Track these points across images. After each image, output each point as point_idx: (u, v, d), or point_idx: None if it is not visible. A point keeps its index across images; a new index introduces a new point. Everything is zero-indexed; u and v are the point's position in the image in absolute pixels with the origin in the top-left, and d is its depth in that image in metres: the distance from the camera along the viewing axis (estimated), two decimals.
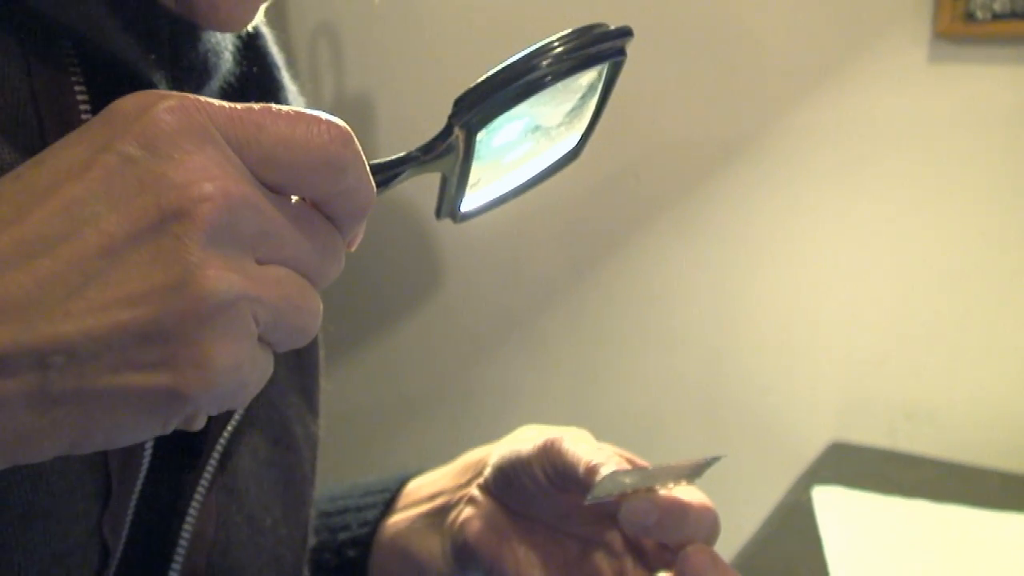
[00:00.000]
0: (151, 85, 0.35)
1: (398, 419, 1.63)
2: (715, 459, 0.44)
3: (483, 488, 0.50)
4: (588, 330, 1.48)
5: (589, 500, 0.43)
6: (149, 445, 0.37)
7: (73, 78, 0.35)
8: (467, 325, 1.57)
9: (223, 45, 0.41)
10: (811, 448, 1.28)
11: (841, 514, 1.03)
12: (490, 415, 1.54)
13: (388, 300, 1.62)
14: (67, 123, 0.34)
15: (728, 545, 1.17)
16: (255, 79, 0.44)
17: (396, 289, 1.61)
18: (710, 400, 1.40)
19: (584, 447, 0.45)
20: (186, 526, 0.39)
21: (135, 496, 0.37)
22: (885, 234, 1.26)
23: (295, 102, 0.46)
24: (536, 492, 0.47)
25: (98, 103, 0.34)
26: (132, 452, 0.37)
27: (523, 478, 0.47)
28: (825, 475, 1.15)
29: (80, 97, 0.35)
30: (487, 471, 0.50)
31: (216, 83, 0.42)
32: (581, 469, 0.44)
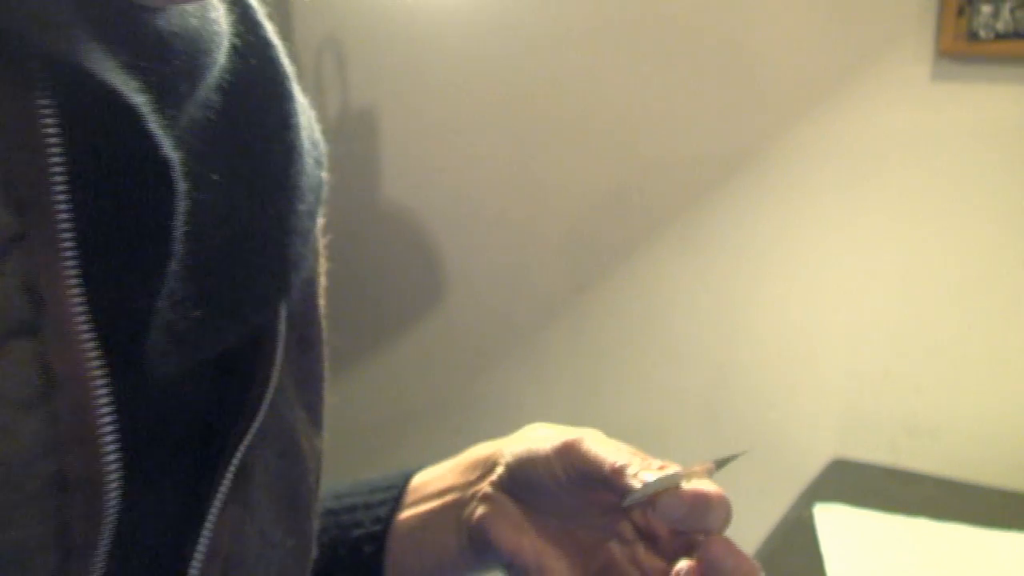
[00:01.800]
0: (126, 102, 0.32)
1: (400, 431, 1.63)
2: (735, 455, 0.48)
3: (497, 485, 0.52)
4: (590, 343, 1.48)
5: (627, 503, 0.46)
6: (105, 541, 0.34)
7: (41, 102, 0.31)
8: (470, 337, 1.57)
9: (215, 44, 0.38)
10: (813, 464, 1.28)
11: (843, 531, 1.03)
12: (492, 427, 1.54)
13: (391, 313, 1.62)
14: (33, 147, 0.31)
15: None
16: (256, 78, 0.42)
17: (399, 302, 1.62)
18: (711, 415, 1.40)
19: (604, 447, 0.48)
20: (202, 540, 0.38)
21: None
22: (887, 250, 1.26)
23: (302, 114, 0.45)
24: (555, 489, 0.49)
25: (68, 123, 0.31)
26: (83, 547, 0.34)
27: (543, 477, 0.49)
28: (827, 492, 1.14)
29: (48, 122, 0.31)
30: (500, 470, 0.52)
31: (211, 81, 0.38)
32: (607, 469, 0.46)
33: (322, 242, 0.49)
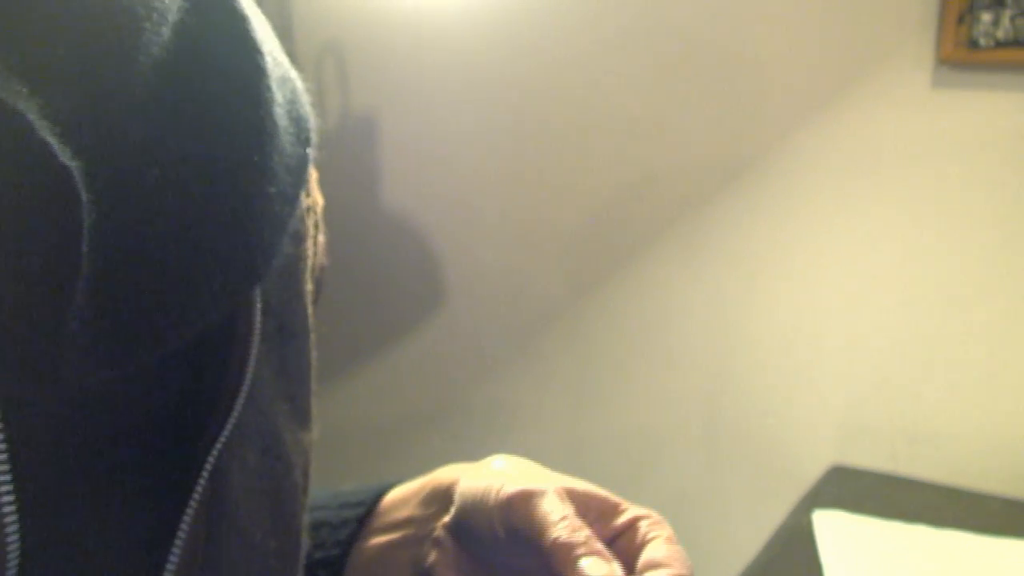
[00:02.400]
0: (12, 109, 0.29)
1: (400, 435, 1.62)
2: None
3: (448, 529, 0.48)
4: (589, 349, 1.48)
5: None
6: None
7: None
8: (469, 341, 1.57)
9: (153, 20, 0.34)
10: (812, 471, 1.28)
11: (842, 538, 1.03)
12: (490, 432, 1.54)
13: (391, 317, 1.62)
14: None
15: (728, 569, 1.17)
16: (213, 54, 0.37)
17: (399, 306, 1.61)
18: (709, 421, 1.40)
19: (555, 511, 0.42)
20: (175, 548, 0.37)
21: None
22: (886, 257, 1.26)
23: (279, 89, 0.41)
24: (495, 545, 0.45)
25: None
26: None
27: (482, 530, 0.45)
28: (826, 499, 1.14)
29: None
30: (452, 510, 0.48)
31: (148, 62, 0.34)
32: (547, 542, 0.41)
33: (311, 222, 0.46)
